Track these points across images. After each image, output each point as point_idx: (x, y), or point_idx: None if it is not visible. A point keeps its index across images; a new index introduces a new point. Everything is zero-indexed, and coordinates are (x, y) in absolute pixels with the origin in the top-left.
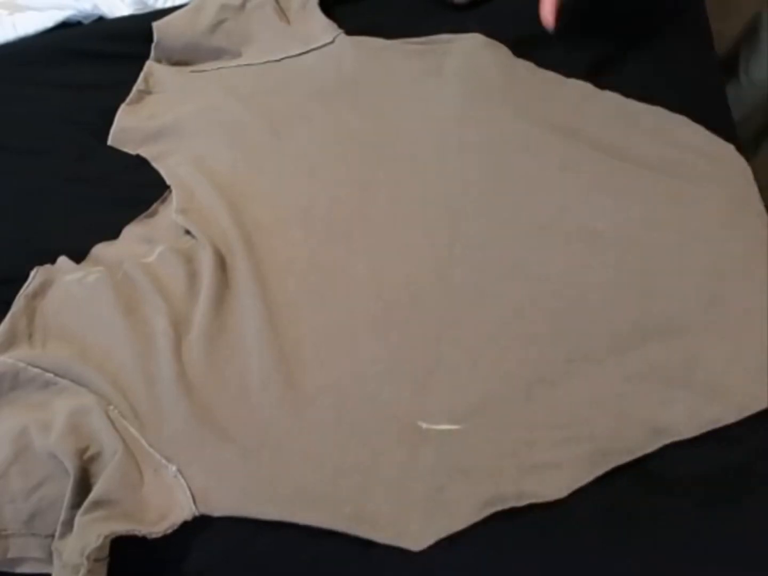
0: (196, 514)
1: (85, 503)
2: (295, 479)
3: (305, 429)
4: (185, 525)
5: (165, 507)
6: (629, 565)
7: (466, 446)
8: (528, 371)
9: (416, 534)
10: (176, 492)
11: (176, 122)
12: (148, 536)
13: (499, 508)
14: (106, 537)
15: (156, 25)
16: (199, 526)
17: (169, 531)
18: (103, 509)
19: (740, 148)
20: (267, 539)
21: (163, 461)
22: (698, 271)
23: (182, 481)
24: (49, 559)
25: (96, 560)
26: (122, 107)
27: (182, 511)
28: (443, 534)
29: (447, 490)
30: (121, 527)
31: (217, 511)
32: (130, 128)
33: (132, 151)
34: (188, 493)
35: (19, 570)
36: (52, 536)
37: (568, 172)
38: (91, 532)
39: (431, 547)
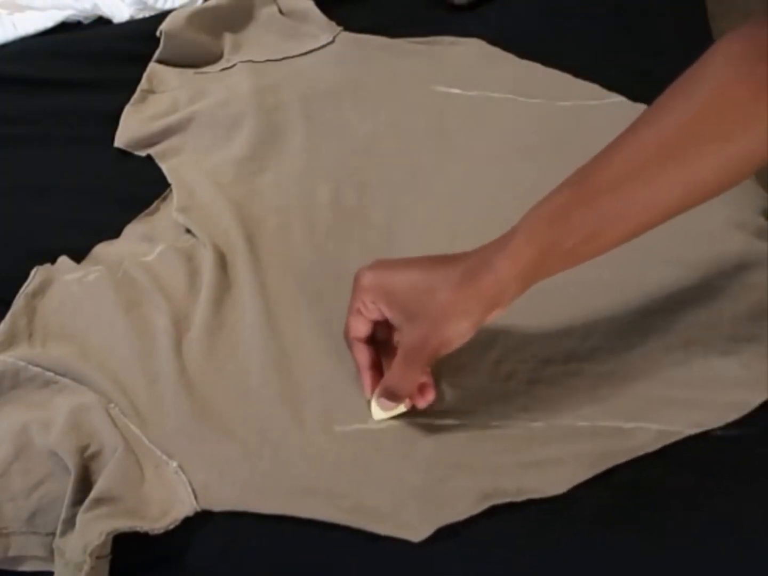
0: (198, 509)
1: (87, 501)
2: (295, 474)
3: (305, 424)
4: (185, 521)
5: (166, 503)
6: (630, 560)
7: (465, 441)
8: (528, 370)
9: (415, 525)
10: (177, 488)
11: (180, 122)
12: (150, 532)
13: (497, 501)
14: (108, 534)
15: (163, 30)
16: (198, 521)
17: (171, 527)
18: (104, 506)
19: None
20: (267, 534)
21: (164, 457)
22: (695, 267)
23: (183, 476)
24: (50, 557)
25: (98, 557)
26: (127, 108)
27: (183, 506)
28: (441, 524)
29: (446, 482)
30: (123, 524)
31: (218, 506)
32: (134, 129)
33: (136, 152)
34: (189, 488)
35: (20, 568)
36: (53, 534)
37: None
38: (93, 530)
39: (431, 541)
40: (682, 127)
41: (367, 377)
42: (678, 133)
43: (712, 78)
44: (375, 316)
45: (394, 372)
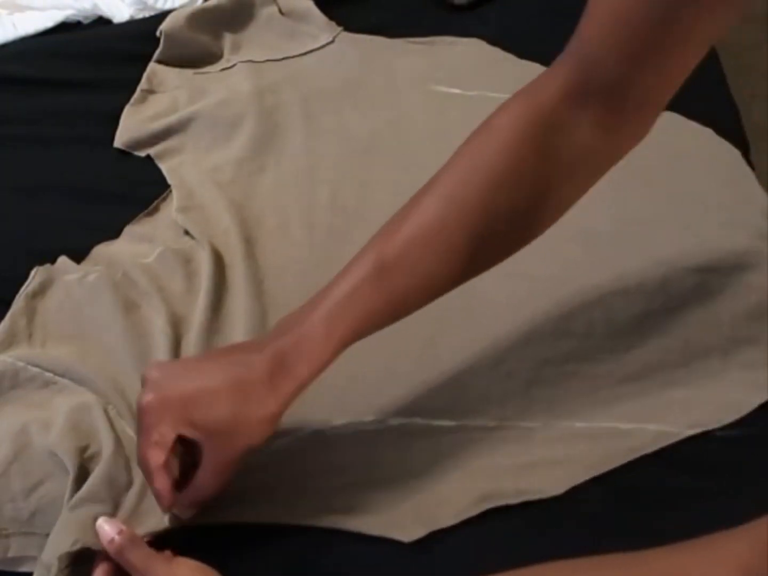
0: (167, 526)
1: (73, 500)
2: (288, 479)
3: (300, 428)
4: (184, 526)
5: (144, 512)
6: None
7: (463, 442)
8: (526, 370)
9: (408, 526)
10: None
11: (180, 122)
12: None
13: (495, 504)
14: (84, 544)
15: (163, 30)
16: (195, 528)
17: (146, 540)
18: (85, 507)
19: (747, 149)
20: (266, 536)
21: None
22: (695, 267)
23: None
24: None
25: (75, 564)
26: (127, 108)
27: (156, 521)
28: (436, 527)
29: (443, 484)
30: (92, 540)
31: (209, 518)
32: (134, 129)
33: (136, 152)
34: None
35: (20, 569)
36: None
37: None
38: (69, 534)
39: (430, 542)
40: None
41: (169, 499)
42: None
43: (498, 141)
44: (173, 438)
45: (203, 486)
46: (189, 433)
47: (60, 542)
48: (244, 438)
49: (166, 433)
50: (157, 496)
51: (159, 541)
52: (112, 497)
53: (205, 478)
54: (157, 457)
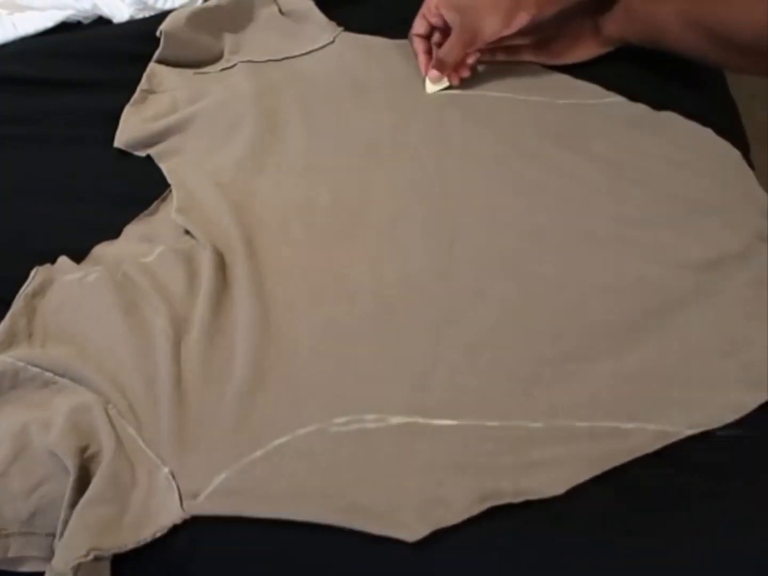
0: (186, 517)
1: (79, 504)
2: (289, 476)
3: (301, 427)
4: (183, 523)
5: (154, 510)
6: (630, 562)
7: (463, 442)
8: (526, 370)
9: (411, 525)
10: (167, 494)
11: (180, 122)
12: (137, 545)
13: (495, 503)
14: (95, 552)
15: (163, 30)
16: (195, 524)
17: (158, 534)
18: (94, 511)
19: (747, 149)
20: (265, 535)
21: (158, 462)
22: (695, 267)
23: (173, 483)
24: (50, 558)
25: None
26: (127, 108)
27: (170, 514)
28: (438, 526)
29: (443, 483)
30: (108, 543)
31: (212, 511)
32: (134, 129)
33: (136, 152)
34: (177, 495)
35: (20, 569)
36: (53, 535)
37: (567, 178)
38: (80, 541)
39: (429, 544)
40: None
41: (423, 60)
42: None
43: None
44: (435, 20)
45: (444, 46)
46: (445, 12)
47: (72, 549)
48: (479, 18)
49: (432, 9)
50: (416, 57)
51: (167, 539)
52: (118, 497)
53: (448, 41)
54: (419, 25)
